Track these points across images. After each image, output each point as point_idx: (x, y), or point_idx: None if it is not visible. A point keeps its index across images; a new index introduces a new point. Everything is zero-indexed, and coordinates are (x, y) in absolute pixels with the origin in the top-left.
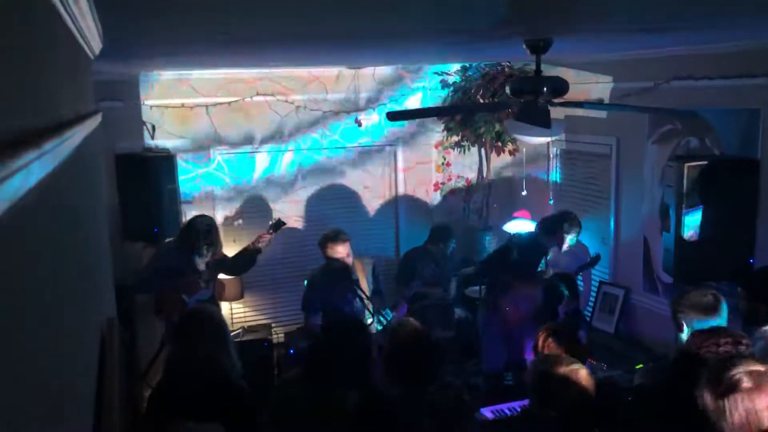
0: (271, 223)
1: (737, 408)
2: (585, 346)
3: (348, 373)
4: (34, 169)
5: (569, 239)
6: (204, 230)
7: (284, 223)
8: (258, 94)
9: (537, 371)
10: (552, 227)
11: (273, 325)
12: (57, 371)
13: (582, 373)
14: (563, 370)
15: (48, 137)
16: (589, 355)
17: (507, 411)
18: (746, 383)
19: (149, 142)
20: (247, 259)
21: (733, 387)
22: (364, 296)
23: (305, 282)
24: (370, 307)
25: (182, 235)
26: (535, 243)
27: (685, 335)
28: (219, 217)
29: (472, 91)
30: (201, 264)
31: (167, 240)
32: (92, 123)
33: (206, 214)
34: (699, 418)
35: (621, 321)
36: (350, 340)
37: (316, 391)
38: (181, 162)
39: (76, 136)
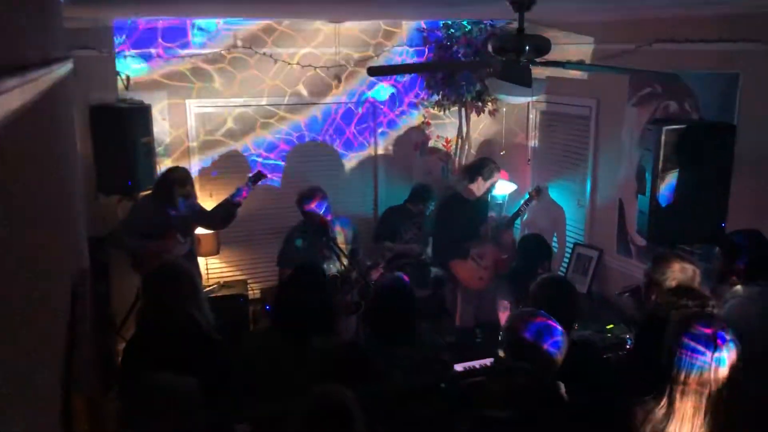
0: (250, 175)
1: (683, 355)
2: (575, 304)
3: (313, 320)
4: None
5: (490, 185)
6: (179, 182)
7: (265, 175)
8: (236, 47)
9: (508, 326)
10: (471, 175)
11: (249, 281)
12: (24, 319)
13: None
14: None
15: (8, 76)
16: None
17: (477, 366)
18: (705, 341)
19: (124, 93)
20: (226, 212)
21: (693, 338)
22: (341, 254)
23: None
24: (346, 263)
25: (157, 188)
26: (462, 200)
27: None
28: (195, 170)
29: (454, 49)
30: (178, 218)
31: (143, 194)
32: (62, 69)
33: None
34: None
35: (594, 282)
36: (314, 288)
37: (283, 340)
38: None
39: (43, 79)
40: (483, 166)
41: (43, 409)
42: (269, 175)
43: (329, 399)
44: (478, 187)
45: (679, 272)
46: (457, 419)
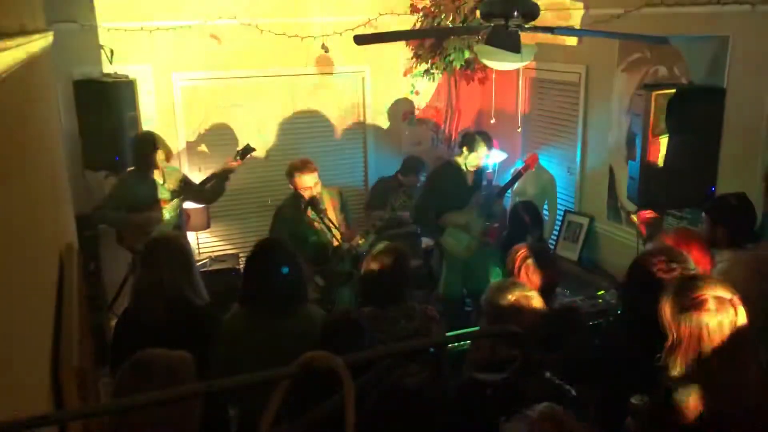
0: (238, 150)
1: (691, 323)
2: (558, 270)
3: (281, 296)
4: None
5: (473, 157)
6: (152, 141)
7: (253, 149)
8: (221, 17)
9: (488, 299)
10: (460, 146)
11: (240, 254)
12: (8, 293)
13: (533, 300)
14: (513, 296)
15: None
16: (557, 282)
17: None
18: (711, 305)
19: (108, 67)
20: (214, 185)
21: (698, 306)
22: (332, 226)
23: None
24: (339, 236)
25: (135, 155)
26: (456, 169)
27: None
28: (182, 144)
29: (442, 16)
30: (165, 192)
31: (129, 170)
32: (41, 41)
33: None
34: (647, 329)
35: (584, 249)
36: (276, 263)
37: (254, 320)
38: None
39: (19, 49)
40: (471, 138)
41: (31, 383)
42: (256, 149)
43: (318, 364)
44: (464, 158)
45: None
46: (447, 383)
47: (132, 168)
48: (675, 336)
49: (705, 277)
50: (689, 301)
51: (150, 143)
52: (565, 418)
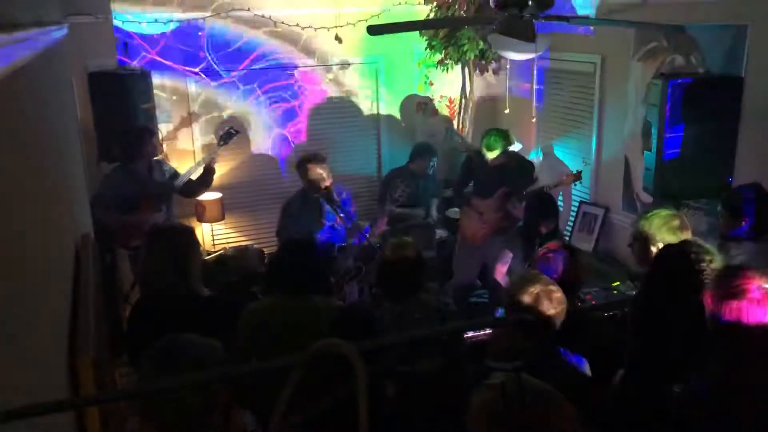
0: (221, 133)
1: (732, 312)
2: (577, 271)
3: (306, 284)
4: None
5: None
6: (149, 135)
7: (237, 131)
8: (234, 9)
9: (510, 290)
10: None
11: (254, 246)
12: (25, 282)
13: (555, 293)
14: (535, 289)
15: None
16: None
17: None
18: (754, 294)
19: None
20: (201, 179)
21: (740, 294)
22: (345, 218)
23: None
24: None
25: (133, 148)
26: (482, 161)
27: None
28: (197, 135)
29: (456, 6)
30: (155, 185)
31: (112, 166)
32: (57, 33)
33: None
34: (671, 322)
35: (600, 240)
36: (305, 254)
37: (281, 304)
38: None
39: (35, 41)
40: (487, 137)
41: (48, 373)
42: (240, 131)
43: (331, 351)
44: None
45: (667, 219)
46: (462, 372)
47: (117, 165)
48: (716, 325)
49: (747, 268)
50: (730, 289)
51: (139, 133)
52: (530, 380)
